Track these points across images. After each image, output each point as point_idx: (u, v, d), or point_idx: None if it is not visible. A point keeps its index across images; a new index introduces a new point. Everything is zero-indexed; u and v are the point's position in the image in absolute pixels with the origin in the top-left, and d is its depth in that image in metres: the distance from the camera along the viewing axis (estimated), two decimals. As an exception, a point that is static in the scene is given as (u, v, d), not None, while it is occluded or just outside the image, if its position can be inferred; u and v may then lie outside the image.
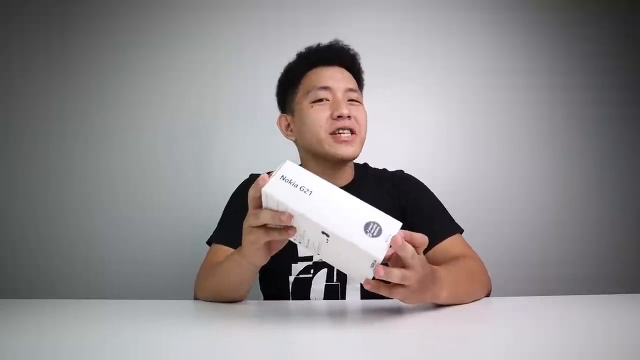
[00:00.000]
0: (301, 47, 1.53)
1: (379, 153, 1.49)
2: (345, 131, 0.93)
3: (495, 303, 0.78)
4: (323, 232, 0.56)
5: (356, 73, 1.03)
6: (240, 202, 0.97)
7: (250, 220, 0.62)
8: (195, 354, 0.52)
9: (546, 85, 1.60)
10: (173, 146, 1.52)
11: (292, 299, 0.94)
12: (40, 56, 1.53)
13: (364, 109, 0.99)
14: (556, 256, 1.54)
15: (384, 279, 0.57)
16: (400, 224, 0.57)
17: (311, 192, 0.57)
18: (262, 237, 0.61)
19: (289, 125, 1.04)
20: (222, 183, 1.51)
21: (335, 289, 0.93)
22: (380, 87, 1.55)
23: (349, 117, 0.92)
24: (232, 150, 1.53)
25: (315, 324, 0.67)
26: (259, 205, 0.61)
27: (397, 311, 0.72)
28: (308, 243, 0.60)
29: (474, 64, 1.60)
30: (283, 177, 0.57)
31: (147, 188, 1.49)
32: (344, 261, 0.61)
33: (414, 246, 0.59)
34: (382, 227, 0.55)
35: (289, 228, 0.58)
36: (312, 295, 0.94)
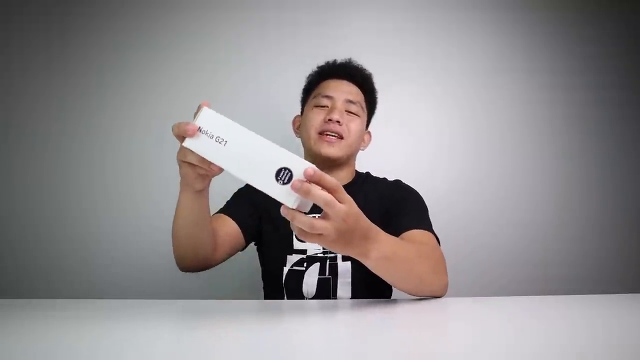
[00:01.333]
0: (301, 47, 1.55)
1: (379, 153, 1.49)
2: (332, 134, 1.02)
3: (496, 303, 0.78)
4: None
5: (366, 91, 1.11)
6: (247, 193, 1.07)
7: (179, 155, 0.67)
8: (195, 354, 0.52)
9: (547, 85, 1.60)
10: (173, 146, 1.51)
11: (285, 291, 0.99)
12: (40, 56, 1.53)
13: (361, 122, 1.07)
14: (557, 256, 1.54)
15: (289, 220, 0.58)
16: (312, 165, 0.57)
17: (226, 141, 0.60)
18: (191, 173, 0.68)
19: (300, 125, 1.13)
20: (222, 183, 1.51)
21: (327, 283, 0.97)
22: (380, 88, 1.54)
23: (338, 122, 1.02)
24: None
25: (309, 323, 0.67)
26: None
27: (393, 311, 0.72)
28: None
29: (474, 64, 1.60)
30: (200, 129, 0.61)
31: (147, 188, 1.49)
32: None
33: (327, 190, 0.57)
34: (294, 173, 0.57)
35: (214, 167, 0.62)
36: (304, 288, 0.98)
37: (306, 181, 0.56)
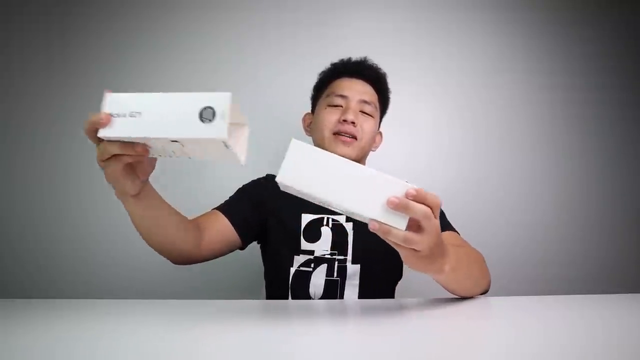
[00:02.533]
0: (301, 47, 1.55)
1: (379, 153, 1.49)
2: (347, 135, 1.01)
3: (496, 303, 0.78)
4: (173, 141, 0.55)
5: (380, 91, 1.10)
6: (252, 191, 1.06)
7: (99, 156, 0.60)
8: (196, 353, 0.52)
9: (546, 85, 1.61)
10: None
11: (291, 291, 0.97)
12: (40, 56, 1.53)
13: (374, 123, 1.06)
14: (557, 256, 1.55)
15: (383, 237, 0.55)
16: (230, 94, 0.55)
17: (140, 112, 0.55)
18: (119, 170, 0.61)
19: (310, 123, 1.13)
20: (222, 183, 1.51)
21: (335, 285, 0.96)
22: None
23: (353, 123, 1.01)
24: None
25: (315, 324, 0.67)
26: (99, 140, 0.59)
27: (396, 311, 0.72)
28: (171, 153, 0.60)
29: (474, 64, 1.60)
30: (112, 114, 0.56)
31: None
32: (213, 155, 0.59)
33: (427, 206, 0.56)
34: (216, 108, 0.54)
35: (137, 146, 0.57)
36: (311, 289, 0.96)
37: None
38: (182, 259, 0.88)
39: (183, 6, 1.56)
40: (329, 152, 0.57)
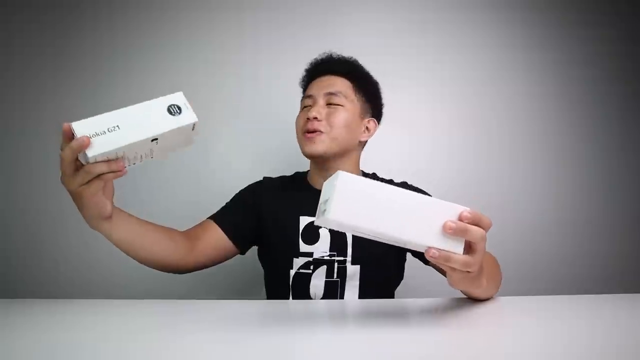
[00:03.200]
0: (301, 47, 1.55)
1: (379, 153, 1.49)
2: (310, 131, 1.01)
3: (496, 303, 0.78)
4: (152, 140, 0.63)
5: (355, 79, 1.07)
6: (247, 197, 1.06)
7: (77, 182, 0.63)
8: (196, 353, 0.52)
9: (546, 85, 1.61)
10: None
11: (292, 293, 0.98)
12: (40, 56, 1.53)
13: (345, 110, 1.02)
14: (556, 256, 1.55)
15: (442, 264, 0.55)
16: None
17: (117, 125, 0.61)
18: (99, 185, 0.65)
19: None
20: (221, 184, 1.51)
21: (335, 286, 0.97)
22: (380, 88, 1.55)
23: (315, 118, 1.00)
24: (231, 151, 1.53)
25: (315, 324, 0.67)
26: (79, 166, 0.62)
27: (397, 312, 0.72)
28: (146, 157, 0.68)
29: (474, 64, 1.60)
30: (91, 135, 0.60)
31: (147, 189, 1.49)
32: (178, 144, 0.68)
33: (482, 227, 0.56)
34: (179, 103, 0.64)
35: (118, 162, 0.63)
36: (311, 290, 0.97)
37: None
38: (170, 270, 0.91)
39: (183, 7, 1.56)
40: (377, 182, 0.56)
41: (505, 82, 1.60)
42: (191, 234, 0.95)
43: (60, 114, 1.52)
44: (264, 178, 1.13)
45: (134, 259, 0.85)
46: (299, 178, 1.12)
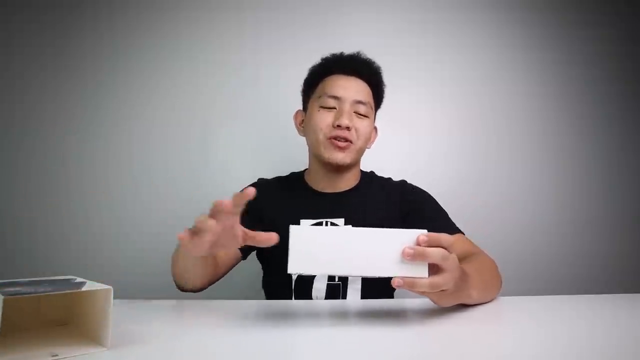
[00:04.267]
0: (301, 48, 1.54)
1: (379, 153, 1.49)
2: (342, 140, 0.98)
3: (496, 303, 0.78)
4: None
5: (375, 86, 1.06)
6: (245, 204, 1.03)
7: (216, 226, 0.60)
8: (196, 353, 0.52)
9: (546, 84, 1.60)
10: (172, 147, 1.52)
11: (294, 297, 0.97)
12: (40, 56, 1.52)
13: (370, 122, 1.03)
14: (556, 256, 1.55)
15: (410, 290, 0.56)
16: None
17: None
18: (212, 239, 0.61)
19: (303, 121, 1.09)
20: (222, 184, 1.52)
21: (337, 288, 0.96)
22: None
23: (348, 128, 0.97)
24: (232, 151, 1.53)
25: (316, 323, 0.67)
26: (235, 213, 0.61)
27: (398, 312, 0.72)
28: None
29: (474, 64, 1.60)
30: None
31: (147, 189, 1.49)
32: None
33: (442, 247, 0.57)
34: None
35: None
36: (313, 293, 0.96)
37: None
38: (196, 290, 0.90)
39: (183, 7, 1.56)
40: (329, 227, 0.58)
41: (505, 82, 1.60)
42: (215, 259, 0.91)
43: (61, 114, 1.52)
44: (259, 180, 1.11)
45: (178, 281, 0.85)
46: (297, 179, 1.10)
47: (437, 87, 1.58)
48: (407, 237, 0.56)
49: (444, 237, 0.57)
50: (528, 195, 1.57)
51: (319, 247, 0.56)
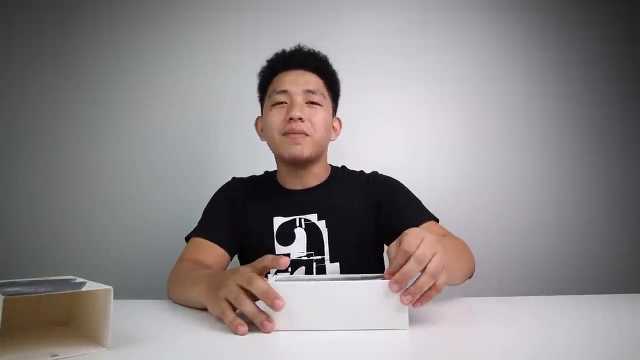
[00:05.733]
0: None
1: (379, 153, 1.49)
2: (295, 133, 0.95)
3: (496, 303, 0.78)
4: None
5: (324, 76, 1.03)
6: (225, 203, 1.02)
7: (240, 299, 0.60)
8: (196, 353, 0.52)
9: (547, 85, 1.60)
10: (172, 147, 1.52)
11: None
12: (40, 56, 1.53)
13: (325, 112, 1.00)
14: (557, 256, 1.54)
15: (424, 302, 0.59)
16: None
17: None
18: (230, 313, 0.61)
19: (262, 127, 1.06)
20: (222, 184, 1.51)
21: None
22: (381, 88, 1.55)
23: (300, 119, 0.95)
24: (232, 150, 1.53)
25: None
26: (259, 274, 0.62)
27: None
28: None
29: (474, 64, 1.60)
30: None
31: (147, 189, 1.49)
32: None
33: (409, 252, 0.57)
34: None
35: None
36: None
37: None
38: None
39: (183, 7, 1.56)
40: (305, 281, 0.59)
41: (505, 82, 1.60)
42: (202, 263, 0.89)
43: (61, 114, 1.52)
44: (233, 179, 1.09)
45: (179, 301, 0.81)
46: (270, 178, 1.09)
47: (437, 87, 1.58)
48: (381, 285, 0.57)
49: (404, 244, 0.57)
50: (528, 195, 1.57)
51: (297, 301, 0.58)
